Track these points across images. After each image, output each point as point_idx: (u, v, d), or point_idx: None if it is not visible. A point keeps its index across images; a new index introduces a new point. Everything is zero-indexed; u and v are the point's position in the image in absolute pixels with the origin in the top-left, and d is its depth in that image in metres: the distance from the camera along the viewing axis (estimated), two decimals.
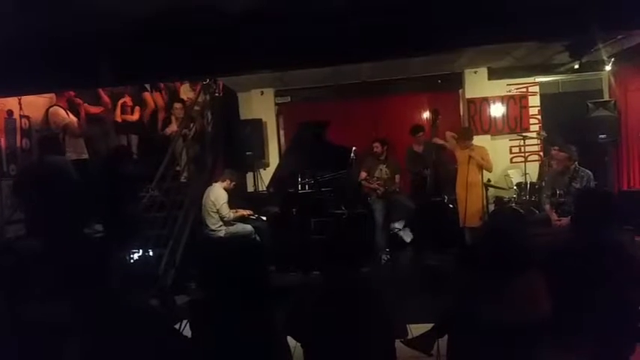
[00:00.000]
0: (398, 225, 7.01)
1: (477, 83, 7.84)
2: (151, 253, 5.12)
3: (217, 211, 6.07)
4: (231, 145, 7.47)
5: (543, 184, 6.13)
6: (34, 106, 5.86)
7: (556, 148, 6.47)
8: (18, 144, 5.78)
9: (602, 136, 6.82)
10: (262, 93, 8.10)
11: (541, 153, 7.60)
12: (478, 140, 6.99)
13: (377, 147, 6.73)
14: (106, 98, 6.56)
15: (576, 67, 6.48)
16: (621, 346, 2.47)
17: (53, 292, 2.01)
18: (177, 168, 6.63)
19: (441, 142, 6.80)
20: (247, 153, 7.49)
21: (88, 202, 4.41)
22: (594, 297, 2.35)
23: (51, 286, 2.03)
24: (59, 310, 1.93)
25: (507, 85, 7.79)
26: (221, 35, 3.30)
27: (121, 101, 6.93)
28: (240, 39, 3.35)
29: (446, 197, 6.84)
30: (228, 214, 6.12)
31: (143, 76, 4.38)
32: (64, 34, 3.05)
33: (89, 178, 5.25)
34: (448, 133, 6.61)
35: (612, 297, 2.38)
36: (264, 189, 7.41)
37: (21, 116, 5.83)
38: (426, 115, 8.17)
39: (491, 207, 6.81)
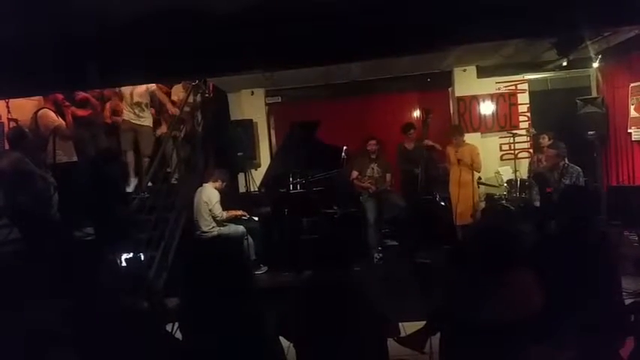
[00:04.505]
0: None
1: (467, 81, 7.86)
2: (142, 256, 5.08)
3: (210, 211, 6.04)
4: (222, 145, 7.43)
5: (533, 180, 6.18)
6: (22, 109, 5.78)
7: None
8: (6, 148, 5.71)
9: (591, 132, 6.86)
10: (253, 93, 8.08)
11: (531, 150, 7.65)
12: (469, 138, 7.03)
13: (372, 144, 6.74)
14: (94, 101, 6.49)
15: (564, 64, 6.52)
16: (610, 340, 2.49)
17: (40, 296, 1.99)
18: (168, 170, 6.59)
19: (431, 144, 6.85)
20: (238, 154, 7.45)
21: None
22: (581, 292, 2.36)
23: (37, 289, 2.01)
24: (47, 314, 1.91)
25: (496, 82, 7.83)
26: (210, 36, 3.28)
27: (109, 103, 6.86)
28: (230, 39, 3.33)
29: (437, 195, 6.87)
30: (221, 213, 6.09)
31: (131, 77, 4.34)
32: (50, 37, 3.02)
33: (79, 181, 5.20)
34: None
35: (598, 291, 2.40)
36: (256, 189, 7.39)
37: (9, 119, 5.75)
38: (417, 113, 8.21)
39: (483, 204, 6.86)
